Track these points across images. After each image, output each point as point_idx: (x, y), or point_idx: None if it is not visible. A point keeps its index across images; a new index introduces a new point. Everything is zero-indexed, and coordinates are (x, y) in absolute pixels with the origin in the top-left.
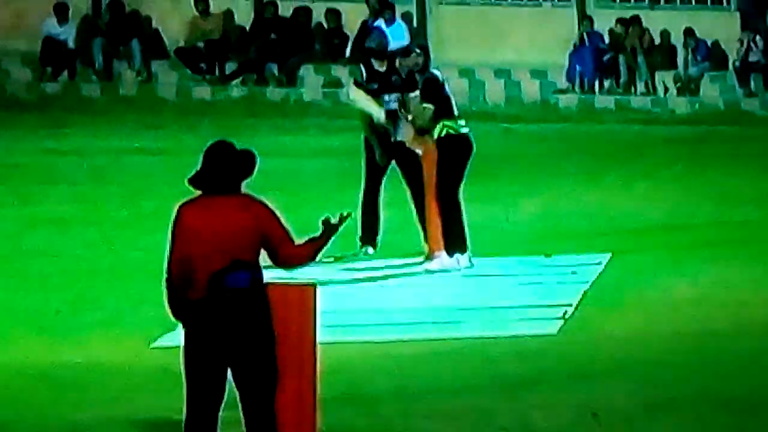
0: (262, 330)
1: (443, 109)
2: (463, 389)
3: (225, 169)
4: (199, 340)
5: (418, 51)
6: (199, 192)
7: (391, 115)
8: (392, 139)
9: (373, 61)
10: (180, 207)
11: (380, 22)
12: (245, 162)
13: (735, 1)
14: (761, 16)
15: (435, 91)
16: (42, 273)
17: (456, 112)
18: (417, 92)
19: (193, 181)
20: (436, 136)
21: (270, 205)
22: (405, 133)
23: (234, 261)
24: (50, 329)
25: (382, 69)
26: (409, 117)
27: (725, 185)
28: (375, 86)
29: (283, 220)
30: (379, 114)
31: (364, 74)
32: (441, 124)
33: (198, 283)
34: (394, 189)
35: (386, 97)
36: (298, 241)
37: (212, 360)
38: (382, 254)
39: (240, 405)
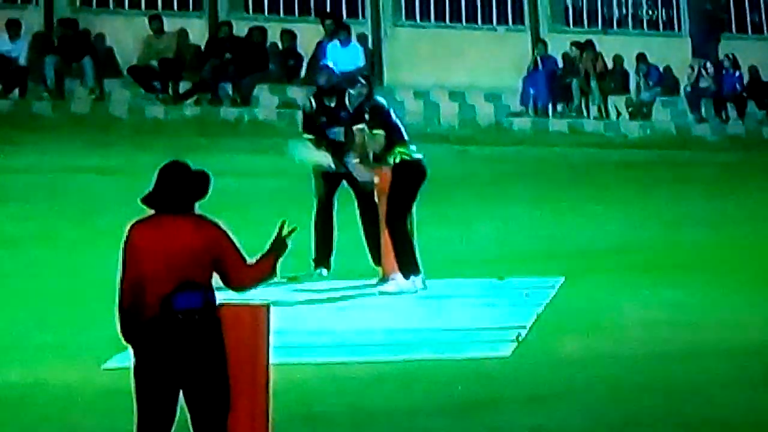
0: (214, 351)
1: (394, 136)
2: (416, 411)
3: (178, 188)
4: (150, 361)
5: (362, 81)
6: (152, 211)
7: (337, 146)
8: (341, 170)
9: (323, 97)
10: (131, 226)
11: (335, 44)
12: (199, 182)
13: (686, 28)
14: (712, 42)
15: (382, 118)
16: None
17: (407, 138)
18: (363, 125)
19: (146, 200)
20: (391, 162)
21: (223, 226)
22: (354, 165)
23: (183, 282)
24: (6, 349)
25: (332, 104)
26: (354, 150)
27: (676, 209)
28: (324, 119)
29: (236, 243)
30: (327, 161)
31: (314, 106)
32: (395, 150)
33: (148, 304)
34: (347, 211)
35: (334, 130)
36: (251, 261)
37: (163, 382)
38: (336, 276)
39: (191, 427)
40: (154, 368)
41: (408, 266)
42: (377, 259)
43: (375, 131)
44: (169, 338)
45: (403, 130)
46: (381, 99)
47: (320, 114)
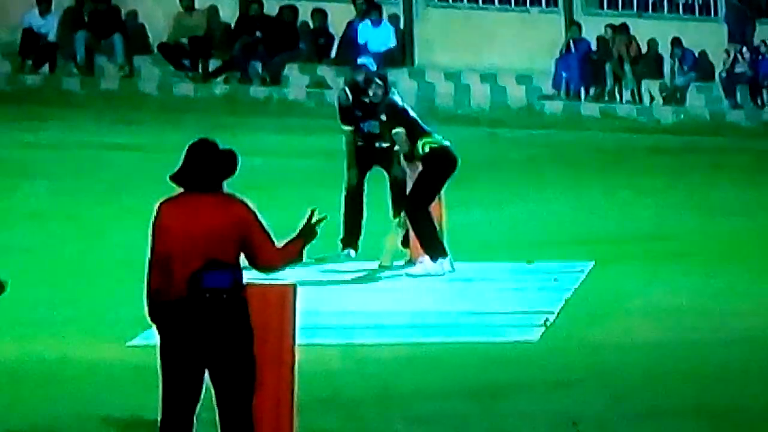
0: (241, 331)
1: (416, 130)
2: (442, 395)
3: (207, 167)
4: (177, 340)
5: (378, 82)
6: (180, 189)
7: (370, 138)
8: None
9: (359, 94)
10: (160, 204)
11: (367, 23)
12: (227, 161)
13: (722, 12)
14: (749, 27)
15: (400, 116)
16: (17, 268)
17: (427, 129)
18: (401, 129)
19: (174, 178)
20: (421, 153)
21: (251, 206)
22: (406, 165)
23: (211, 260)
24: (25, 324)
25: (368, 99)
26: (402, 151)
27: (709, 196)
28: (359, 113)
29: (263, 223)
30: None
31: (350, 99)
32: (421, 141)
33: (176, 283)
34: (376, 192)
35: (368, 123)
36: (279, 243)
37: (189, 360)
38: (364, 257)
39: (216, 406)
40: (180, 347)
41: (434, 249)
42: (406, 241)
43: (395, 130)
44: (197, 317)
45: (421, 122)
46: (395, 97)
47: (356, 107)
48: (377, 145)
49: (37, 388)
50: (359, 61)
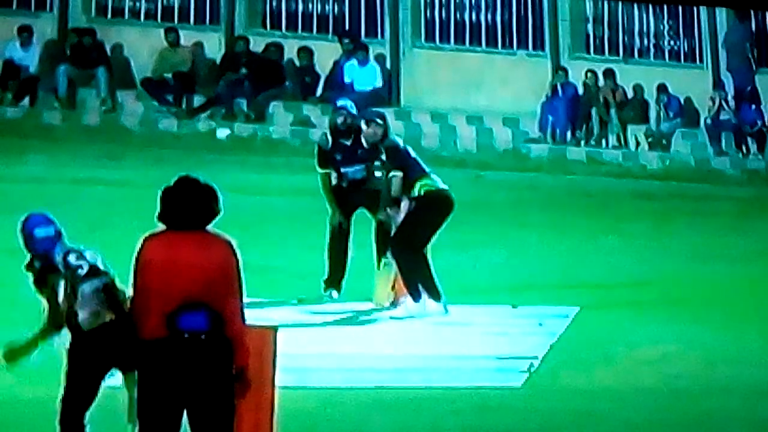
0: (220, 374)
1: (415, 172)
2: None
3: (189, 205)
4: (154, 381)
5: (378, 121)
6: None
7: (356, 185)
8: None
9: (338, 136)
10: (143, 239)
11: (352, 64)
12: (209, 200)
13: (708, 60)
14: (750, 75)
15: (400, 158)
16: None
17: (427, 170)
18: (399, 173)
19: (160, 217)
20: (416, 194)
21: (235, 248)
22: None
23: (188, 301)
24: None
25: (348, 142)
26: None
27: (693, 242)
28: (339, 157)
29: (241, 275)
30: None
31: (330, 143)
32: (418, 184)
33: (152, 322)
34: (360, 232)
35: (350, 169)
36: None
37: (167, 402)
38: (347, 298)
39: None
40: (158, 388)
41: (415, 289)
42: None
43: (393, 173)
44: (175, 359)
45: (422, 164)
46: (397, 138)
47: (335, 151)
48: (363, 187)
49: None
50: (339, 103)
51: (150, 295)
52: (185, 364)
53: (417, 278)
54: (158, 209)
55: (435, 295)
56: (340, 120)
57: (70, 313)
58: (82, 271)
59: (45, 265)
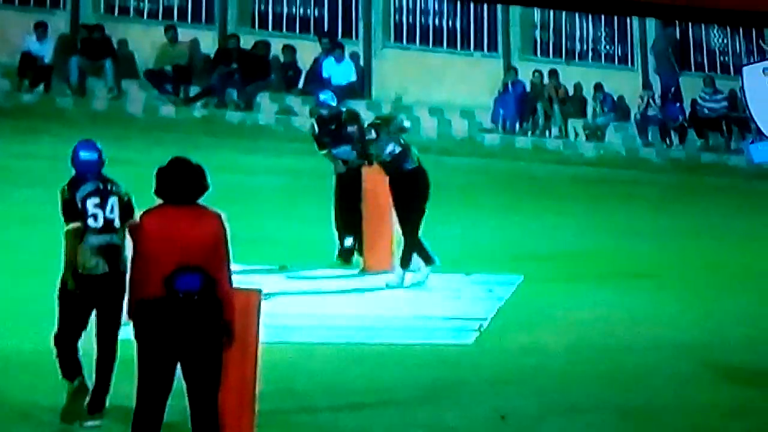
0: (211, 330)
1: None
2: (387, 389)
3: (182, 182)
4: (152, 335)
5: (373, 133)
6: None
7: (345, 162)
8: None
9: (324, 124)
10: (141, 214)
11: (331, 59)
12: (198, 178)
13: (639, 62)
14: (674, 77)
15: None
16: (11, 267)
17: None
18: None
19: (156, 192)
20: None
21: (224, 221)
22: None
23: (182, 264)
24: (19, 317)
25: (332, 127)
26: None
27: (623, 221)
28: (327, 140)
29: (228, 243)
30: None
31: (317, 130)
32: (412, 152)
33: (151, 283)
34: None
35: (340, 149)
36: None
37: (164, 354)
38: (323, 265)
39: (187, 395)
40: (156, 342)
41: (410, 260)
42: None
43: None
44: (171, 316)
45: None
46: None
47: (324, 136)
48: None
49: (26, 377)
50: (321, 97)
51: (149, 261)
52: (180, 320)
53: (415, 250)
54: (154, 186)
55: (430, 261)
56: (324, 112)
57: (74, 252)
58: (95, 224)
59: (71, 198)
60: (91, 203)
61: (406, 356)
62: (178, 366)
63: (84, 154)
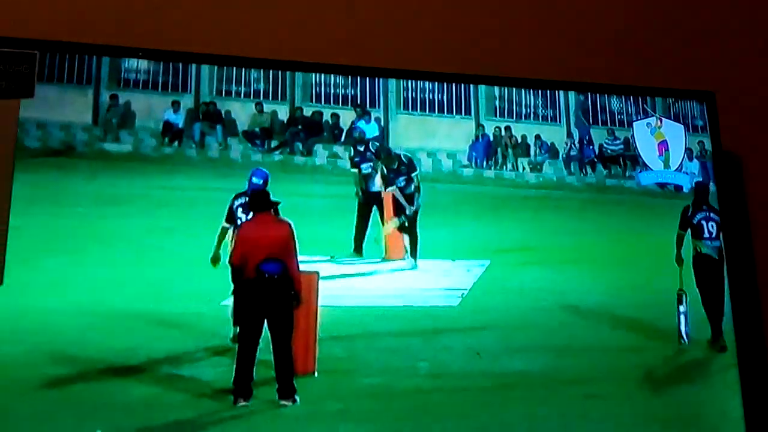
0: (286, 298)
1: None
2: (401, 335)
3: (263, 200)
4: (248, 303)
5: (404, 165)
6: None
7: (367, 177)
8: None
9: (357, 146)
10: (242, 223)
11: (362, 122)
12: (266, 199)
13: (564, 120)
14: (586, 129)
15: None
16: (155, 259)
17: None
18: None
19: (249, 206)
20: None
21: (293, 227)
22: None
23: (267, 256)
24: (158, 293)
25: (362, 148)
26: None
27: (555, 224)
28: (358, 159)
29: (296, 243)
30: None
31: (352, 153)
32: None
33: (248, 269)
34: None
35: (365, 165)
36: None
37: (255, 314)
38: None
39: (271, 342)
40: (250, 307)
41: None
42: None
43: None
44: (260, 290)
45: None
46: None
47: (355, 156)
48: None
49: (163, 331)
50: (356, 125)
51: (247, 254)
52: (266, 293)
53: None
54: (248, 201)
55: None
56: (356, 134)
57: (218, 246)
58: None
59: (231, 204)
60: (239, 210)
61: (413, 314)
62: (265, 324)
63: (254, 180)
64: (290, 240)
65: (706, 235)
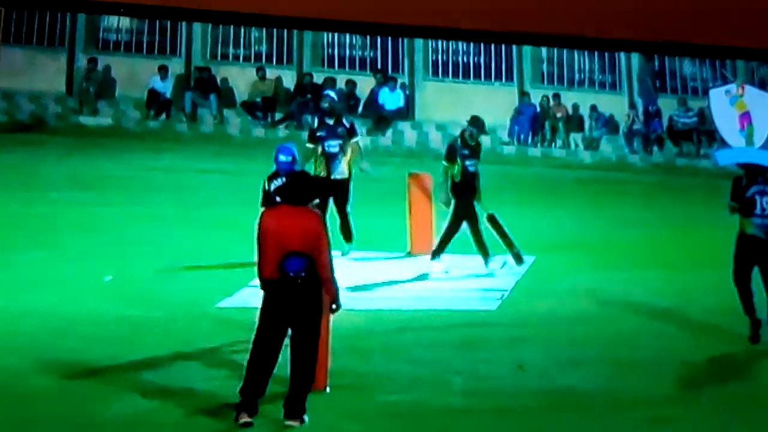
0: (313, 302)
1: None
2: (431, 345)
3: (298, 190)
4: (271, 306)
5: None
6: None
7: (331, 157)
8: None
9: (324, 117)
10: (262, 212)
11: (386, 89)
12: (318, 187)
13: (625, 88)
14: (654, 98)
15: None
16: (141, 254)
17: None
18: (357, 138)
19: (277, 192)
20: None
21: (322, 218)
22: (340, 171)
23: (288, 252)
24: (143, 293)
25: (331, 122)
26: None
27: (615, 214)
28: (323, 134)
29: (328, 233)
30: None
31: (316, 125)
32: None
33: (270, 267)
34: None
35: (331, 143)
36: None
37: (279, 318)
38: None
39: (290, 352)
40: (273, 310)
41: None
42: (348, 237)
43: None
44: (284, 292)
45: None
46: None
47: (320, 129)
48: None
49: (155, 333)
50: (324, 92)
51: (267, 249)
52: (290, 295)
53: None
54: (275, 188)
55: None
56: (325, 104)
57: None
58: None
59: (268, 189)
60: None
61: (445, 319)
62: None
63: (281, 157)
64: (321, 232)
65: (758, 211)
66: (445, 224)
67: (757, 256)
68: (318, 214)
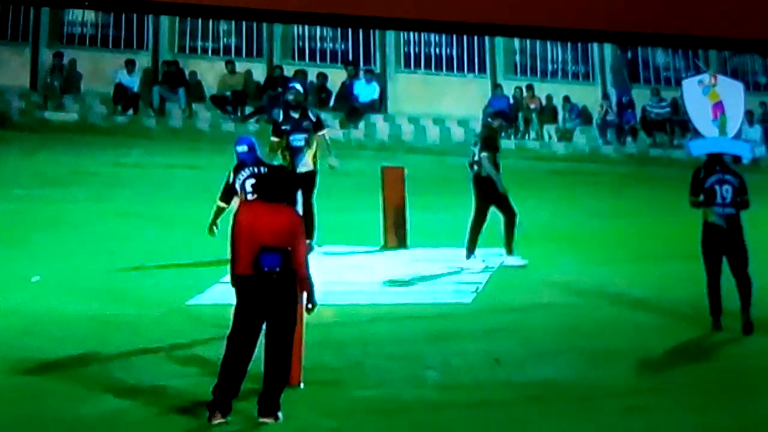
0: (288, 298)
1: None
2: (405, 339)
3: (275, 187)
4: (245, 303)
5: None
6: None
7: (296, 150)
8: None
9: (289, 110)
10: (239, 203)
11: (362, 82)
12: (293, 186)
13: (598, 79)
14: (627, 88)
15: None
16: (109, 252)
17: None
18: (324, 131)
19: (254, 188)
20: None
21: (299, 214)
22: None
23: (263, 247)
24: (112, 290)
25: (296, 115)
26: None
27: (588, 204)
28: (288, 127)
29: (304, 230)
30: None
31: (281, 118)
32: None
33: (242, 262)
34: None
35: (297, 137)
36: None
37: (253, 316)
38: (344, 242)
39: (265, 348)
40: (247, 307)
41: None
42: (310, 233)
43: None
44: (258, 289)
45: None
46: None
47: (285, 123)
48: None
49: (122, 335)
50: (290, 84)
51: (241, 245)
52: (265, 291)
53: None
54: (251, 185)
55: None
56: (291, 97)
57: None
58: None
59: (233, 182)
60: (249, 184)
61: (419, 313)
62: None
63: (238, 148)
64: (296, 229)
65: (719, 200)
66: (470, 220)
67: (721, 245)
68: (293, 210)
